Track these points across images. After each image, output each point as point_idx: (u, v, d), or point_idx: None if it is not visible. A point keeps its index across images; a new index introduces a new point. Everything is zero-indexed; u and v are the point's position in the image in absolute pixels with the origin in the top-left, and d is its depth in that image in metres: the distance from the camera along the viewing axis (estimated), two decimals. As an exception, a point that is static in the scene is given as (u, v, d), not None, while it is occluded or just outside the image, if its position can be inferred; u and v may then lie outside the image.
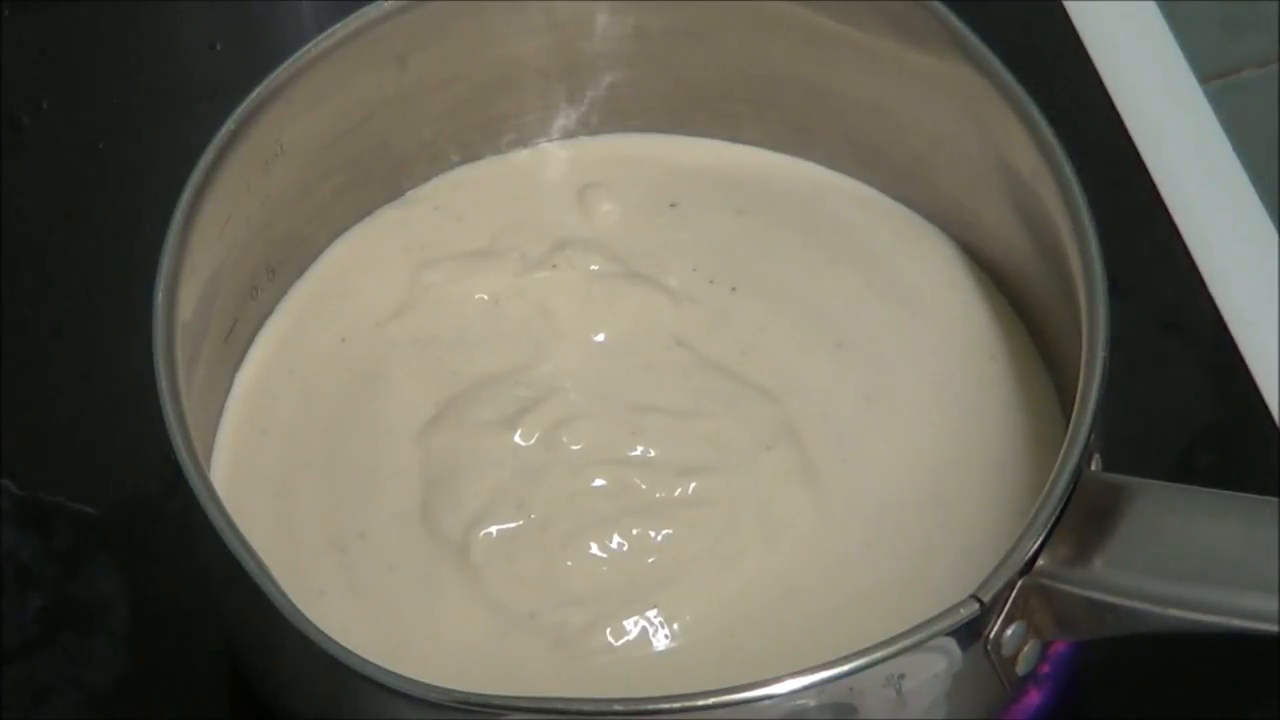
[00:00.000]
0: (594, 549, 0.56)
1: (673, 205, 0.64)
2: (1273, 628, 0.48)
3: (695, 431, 0.59)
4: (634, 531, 0.57)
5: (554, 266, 0.62)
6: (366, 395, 0.60)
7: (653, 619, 0.55)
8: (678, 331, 0.61)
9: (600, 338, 0.61)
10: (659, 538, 0.57)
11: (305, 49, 0.58)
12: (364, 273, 0.62)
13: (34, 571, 0.61)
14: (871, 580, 0.56)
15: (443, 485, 0.58)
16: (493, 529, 0.57)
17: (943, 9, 0.58)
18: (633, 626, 0.55)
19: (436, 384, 0.60)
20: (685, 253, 0.63)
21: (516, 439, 0.58)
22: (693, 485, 0.57)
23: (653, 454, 0.58)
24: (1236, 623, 0.49)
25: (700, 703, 0.48)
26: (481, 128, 0.64)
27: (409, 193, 0.64)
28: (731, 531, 0.57)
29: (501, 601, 0.56)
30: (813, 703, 0.48)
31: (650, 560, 0.56)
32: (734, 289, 0.62)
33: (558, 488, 0.57)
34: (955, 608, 0.49)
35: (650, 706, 0.48)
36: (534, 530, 0.57)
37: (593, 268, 0.62)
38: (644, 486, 0.57)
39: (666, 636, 0.55)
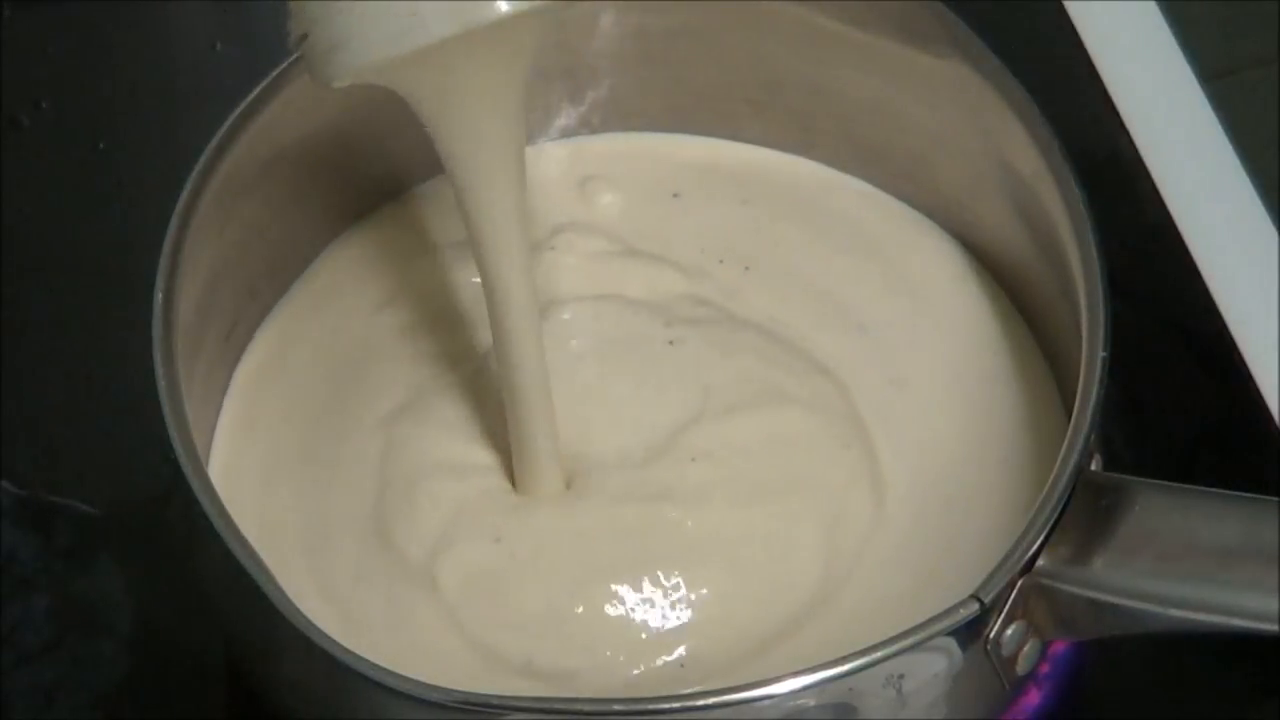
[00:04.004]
0: (612, 598, 0.54)
1: (675, 195, 0.63)
2: (1273, 628, 0.48)
3: (753, 429, 0.56)
4: (670, 580, 0.54)
5: (552, 248, 0.61)
6: (343, 382, 0.58)
7: (675, 658, 0.53)
8: (695, 295, 0.60)
9: (609, 306, 0.59)
10: (703, 589, 0.54)
11: (305, 49, 0.58)
12: (362, 267, 0.62)
13: (35, 572, 0.61)
14: (883, 579, 0.55)
15: (395, 491, 0.56)
16: (464, 560, 0.54)
17: (943, 9, 0.58)
18: (649, 666, 0.53)
19: (410, 368, 0.58)
20: (691, 236, 0.62)
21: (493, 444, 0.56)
22: (750, 511, 0.55)
23: (695, 465, 0.56)
24: (1236, 623, 0.49)
25: (700, 703, 0.48)
26: (482, 127, 0.64)
27: (409, 191, 0.64)
28: (786, 563, 0.55)
29: (486, 644, 0.53)
30: (813, 703, 0.48)
31: (686, 610, 0.54)
32: (746, 268, 0.61)
33: (561, 515, 0.55)
34: (955, 608, 0.49)
35: (650, 706, 0.48)
36: (523, 569, 0.54)
37: (593, 249, 0.61)
38: (688, 522, 0.54)
39: (681, 666, 0.53)
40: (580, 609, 0.53)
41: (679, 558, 0.54)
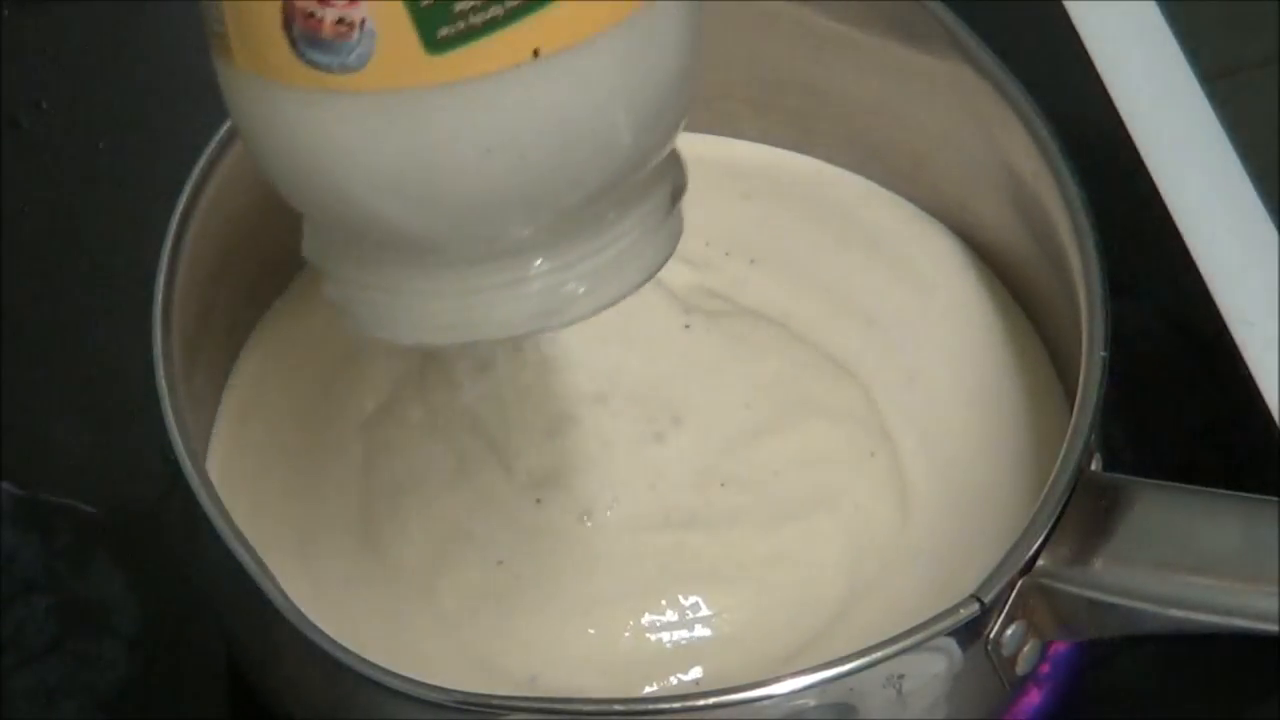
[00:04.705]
0: (626, 621, 0.53)
1: None
2: (1273, 628, 0.48)
3: (784, 448, 0.56)
4: (688, 601, 0.54)
5: None
6: (333, 381, 0.58)
7: (690, 678, 0.53)
8: (706, 287, 0.59)
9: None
10: (725, 611, 0.54)
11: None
12: None
13: (35, 572, 0.61)
14: (901, 586, 0.55)
15: (384, 497, 0.55)
16: (464, 579, 0.54)
17: (943, 9, 0.58)
18: (663, 685, 0.53)
19: (402, 362, 0.58)
20: (695, 229, 0.60)
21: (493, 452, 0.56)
22: (777, 533, 0.55)
23: (724, 490, 0.55)
24: (1236, 623, 0.49)
25: (700, 703, 0.48)
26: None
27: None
28: (812, 581, 0.54)
29: (487, 659, 0.53)
30: (813, 703, 0.48)
31: (705, 630, 0.53)
32: (752, 261, 0.61)
33: (574, 543, 0.55)
34: (955, 608, 0.49)
35: (650, 706, 0.48)
36: (530, 592, 0.54)
37: None
38: (713, 547, 0.54)
39: (696, 684, 0.53)
40: (592, 631, 0.53)
41: (700, 580, 0.54)
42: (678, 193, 0.46)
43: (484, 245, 0.43)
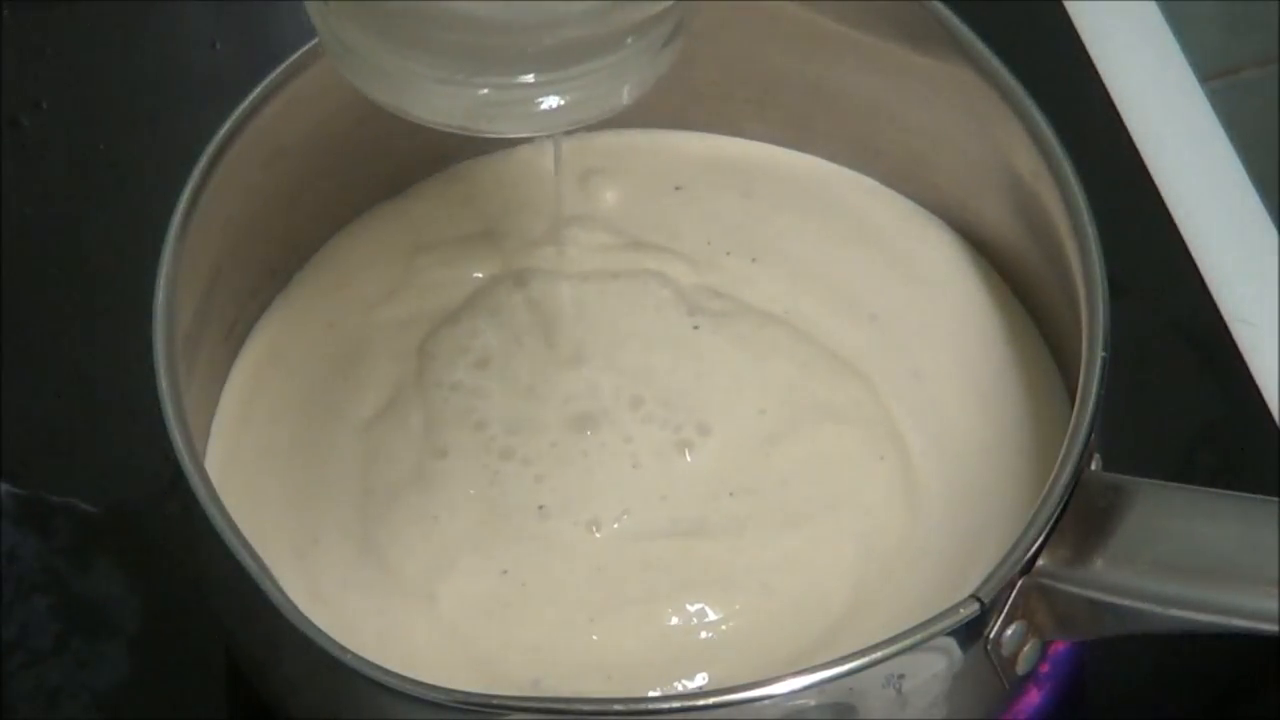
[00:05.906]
0: (631, 626, 0.53)
1: (678, 188, 0.63)
2: (1273, 628, 0.48)
3: (794, 455, 0.56)
4: (694, 607, 0.53)
5: (557, 244, 0.60)
6: (333, 380, 0.58)
7: (695, 683, 0.53)
8: (709, 287, 0.59)
9: (619, 306, 0.59)
10: (730, 617, 0.53)
11: (305, 49, 0.58)
12: (361, 262, 0.61)
13: (35, 572, 0.61)
14: (907, 588, 0.55)
15: (383, 500, 0.55)
16: (466, 586, 0.54)
17: (943, 9, 0.58)
18: (668, 691, 0.52)
19: (402, 364, 0.58)
20: (696, 228, 0.61)
21: (491, 455, 0.56)
22: (785, 539, 0.55)
23: (733, 499, 0.55)
24: (1236, 623, 0.49)
25: (700, 702, 0.48)
26: (483, 124, 0.64)
27: (410, 189, 0.63)
28: (819, 586, 0.54)
29: (489, 662, 0.53)
30: (813, 703, 0.48)
31: (710, 636, 0.53)
32: (754, 259, 0.61)
33: (580, 553, 0.54)
34: (955, 608, 0.49)
35: (650, 706, 0.48)
36: (534, 598, 0.53)
37: (599, 243, 0.61)
38: (720, 554, 0.54)
39: (701, 690, 0.53)
40: (596, 636, 0.53)
41: (707, 587, 0.54)
42: (677, 30, 0.47)
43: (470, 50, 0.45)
